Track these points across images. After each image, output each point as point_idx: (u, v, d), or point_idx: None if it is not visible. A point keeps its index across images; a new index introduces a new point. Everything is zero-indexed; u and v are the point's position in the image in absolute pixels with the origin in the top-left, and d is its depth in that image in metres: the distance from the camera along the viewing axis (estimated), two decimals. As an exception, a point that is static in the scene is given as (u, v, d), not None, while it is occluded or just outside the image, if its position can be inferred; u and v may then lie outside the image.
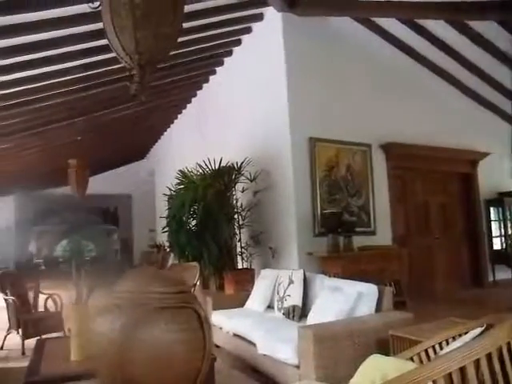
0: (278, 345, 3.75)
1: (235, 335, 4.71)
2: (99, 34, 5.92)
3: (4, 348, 5.77)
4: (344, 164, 7.23)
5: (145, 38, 3.17)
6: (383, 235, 7.55)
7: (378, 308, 3.83)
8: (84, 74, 7.38)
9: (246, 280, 7.49)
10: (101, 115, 10.29)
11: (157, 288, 2.13)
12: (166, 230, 8.21)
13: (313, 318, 3.99)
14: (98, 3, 3.30)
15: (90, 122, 10.35)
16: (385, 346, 3.37)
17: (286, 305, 4.57)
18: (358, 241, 6.84)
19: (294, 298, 4.49)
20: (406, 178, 8.30)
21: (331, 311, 3.79)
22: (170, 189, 8.74)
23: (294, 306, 4.44)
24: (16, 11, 5.03)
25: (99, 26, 5.78)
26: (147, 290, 2.13)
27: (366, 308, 3.75)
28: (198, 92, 11.38)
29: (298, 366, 3.48)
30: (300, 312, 4.39)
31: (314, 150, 7.02)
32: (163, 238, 12.53)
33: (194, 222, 7.59)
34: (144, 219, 18.15)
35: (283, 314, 4.58)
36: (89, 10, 4.68)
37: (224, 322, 4.98)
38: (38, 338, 5.71)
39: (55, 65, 6.69)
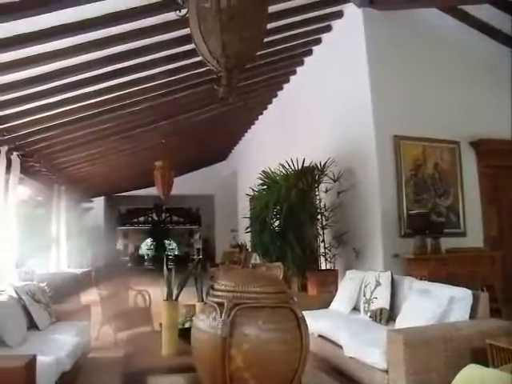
0: (366, 348, 3.68)
1: (320, 336, 4.68)
2: (182, 40, 6.21)
3: (99, 339, 6.09)
4: (431, 162, 6.95)
5: (231, 41, 3.23)
6: (474, 237, 7.16)
7: (472, 315, 3.64)
8: (168, 79, 7.68)
9: (329, 281, 7.42)
10: (184, 118, 10.64)
11: (255, 288, 2.16)
12: (248, 230, 8.30)
13: (402, 322, 3.88)
14: (185, 11, 3.40)
15: (174, 124, 10.73)
16: (481, 356, 3.19)
17: (372, 307, 4.47)
18: (447, 243, 6.53)
19: (382, 301, 4.37)
20: (499, 176, 7.80)
21: (421, 315, 3.65)
22: (252, 189, 8.83)
23: (381, 309, 4.33)
24: (108, 25, 5.30)
25: (183, 32, 6.08)
26: (246, 290, 2.17)
27: (459, 314, 3.58)
28: (279, 92, 11.43)
29: (386, 371, 3.39)
30: (388, 315, 4.28)
31: (399, 148, 6.81)
32: (245, 239, 12.74)
33: (277, 223, 7.62)
34: (226, 219, 18.46)
35: (370, 316, 4.48)
36: (173, 18, 4.94)
37: (310, 323, 4.94)
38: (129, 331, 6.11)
39: (142, 72, 7.03)
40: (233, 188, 17.48)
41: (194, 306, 3.76)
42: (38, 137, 8.14)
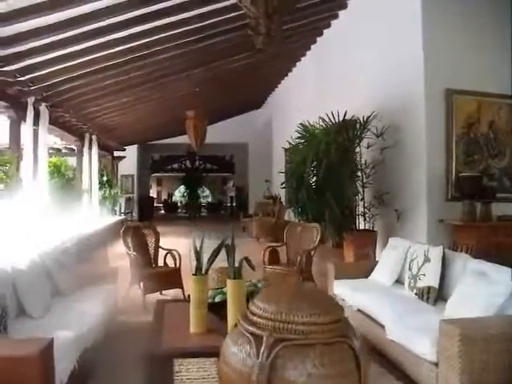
0: (413, 334, 3.32)
1: (359, 311, 4.35)
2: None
3: (128, 299, 5.93)
4: (486, 120, 6.30)
5: (271, -17, 2.73)
6: (529, 204, 6.59)
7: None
8: (200, 24, 7.15)
9: (367, 243, 7.05)
10: (218, 65, 10.13)
11: (304, 318, 1.73)
12: (284, 186, 7.93)
13: (454, 308, 3.47)
14: None
15: (208, 72, 10.25)
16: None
17: (419, 284, 4.07)
18: (498, 208, 5.99)
19: (430, 279, 3.97)
20: None
21: (478, 303, 3.24)
22: (289, 142, 8.36)
23: (429, 287, 3.93)
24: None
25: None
26: (292, 320, 1.75)
27: (524, 305, 3.14)
28: (318, 39, 10.71)
29: (435, 364, 3.04)
30: (436, 294, 3.88)
31: (451, 103, 6.18)
32: (279, 190, 12.39)
33: (314, 179, 7.21)
34: (260, 168, 18.11)
35: (415, 293, 4.10)
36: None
37: (348, 295, 4.63)
38: (159, 293, 5.93)
39: (171, 16, 6.52)
40: (267, 137, 17.01)
41: (226, 269, 3.43)
42: (66, 87, 7.83)
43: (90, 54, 6.78)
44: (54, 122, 8.60)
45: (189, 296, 3.58)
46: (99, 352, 3.95)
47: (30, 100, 7.36)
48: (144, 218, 18.77)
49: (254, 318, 1.90)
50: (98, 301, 4.35)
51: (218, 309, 3.55)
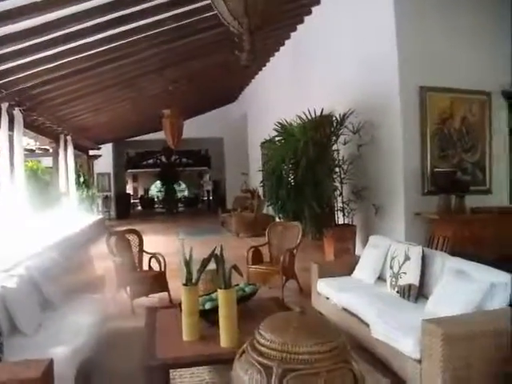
0: (397, 333, 3.46)
1: (344, 309, 4.48)
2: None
3: (115, 304, 5.93)
4: (459, 115, 6.49)
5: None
6: (500, 195, 6.82)
7: (512, 302, 3.36)
8: (174, 25, 7.17)
9: (347, 237, 7.22)
10: (192, 63, 10.12)
11: (309, 347, 1.82)
12: (263, 184, 8.02)
13: (434, 306, 3.64)
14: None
15: (181, 70, 10.25)
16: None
17: (401, 282, 4.23)
18: (471, 201, 6.20)
19: (411, 277, 4.12)
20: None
21: (458, 301, 3.40)
22: (265, 139, 8.44)
23: (410, 285, 4.09)
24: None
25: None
26: (298, 351, 1.84)
27: (497, 301, 3.30)
28: (292, 34, 10.77)
29: (419, 361, 3.18)
30: (417, 292, 4.04)
31: (425, 100, 6.35)
32: (256, 183, 12.47)
33: (293, 177, 7.32)
34: (236, 162, 18.16)
35: (397, 291, 4.26)
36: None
37: (332, 294, 4.77)
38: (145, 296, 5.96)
39: (147, 18, 6.57)
40: (243, 130, 17.07)
41: (214, 271, 3.50)
42: (39, 90, 7.77)
43: (61, 58, 6.75)
44: (28, 125, 8.49)
45: (180, 304, 3.64)
46: (95, 364, 3.99)
47: (4, 106, 7.26)
48: (122, 216, 18.69)
49: (262, 349, 2.00)
50: (88, 311, 4.37)
51: (208, 315, 3.64)
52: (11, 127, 7.60)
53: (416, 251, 4.22)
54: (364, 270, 4.99)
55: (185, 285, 3.52)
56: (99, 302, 4.80)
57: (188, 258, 3.61)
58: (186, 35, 7.97)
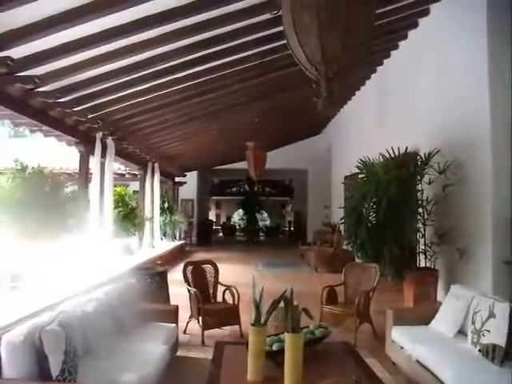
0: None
1: (418, 362, 4.21)
2: (274, 22, 5.80)
3: (186, 332, 6.04)
4: None
5: (332, 44, 2.77)
6: None
7: None
8: (258, 61, 7.37)
9: (428, 281, 6.86)
10: (276, 97, 10.28)
11: None
12: (343, 221, 7.87)
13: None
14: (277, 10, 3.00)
15: (267, 103, 10.43)
16: None
17: (483, 341, 3.90)
18: None
19: (495, 336, 3.79)
20: None
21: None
22: (348, 175, 8.31)
23: (494, 346, 3.75)
24: (201, 10, 5.03)
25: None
26: None
27: None
28: (378, 68, 10.65)
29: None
30: (502, 354, 3.69)
31: (520, 137, 5.95)
32: (338, 217, 12.26)
33: (374, 216, 7.10)
34: (319, 194, 18.06)
35: (479, 350, 3.92)
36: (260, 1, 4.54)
37: (407, 344, 4.51)
38: (217, 328, 5.98)
39: (233, 56, 6.84)
40: (327, 163, 16.97)
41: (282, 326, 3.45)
42: (131, 121, 8.23)
43: (152, 92, 7.16)
44: (119, 153, 8.99)
45: (247, 343, 3.59)
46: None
47: (99, 135, 7.76)
48: (203, 242, 19.08)
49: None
50: (159, 340, 4.46)
51: (275, 356, 3.57)
52: (103, 154, 8.09)
53: (503, 308, 3.87)
54: (443, 322, 4.66)
55: (253, 325, 3.47)
56: (171, 331, 4.88)
57: (258, 298, 3.57)
58: (270, 70, 8.15)
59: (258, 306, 3.51)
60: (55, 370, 3.16)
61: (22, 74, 5.03)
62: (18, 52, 4.60)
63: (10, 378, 3.10)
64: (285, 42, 6.53)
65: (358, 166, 7.70)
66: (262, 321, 3.50)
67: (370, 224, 7.05)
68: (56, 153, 11.33)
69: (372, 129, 11.05)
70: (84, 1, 4.22)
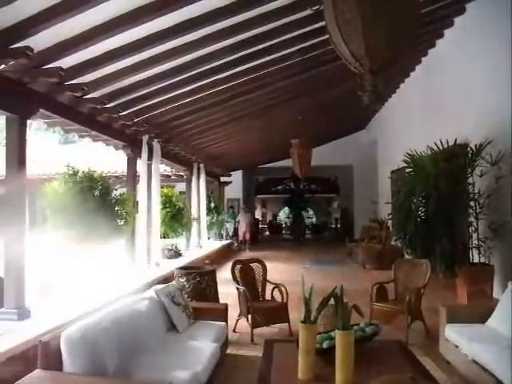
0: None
1: (475, 362, 4.07)
2: (314, 17, 5.76)
3: (236, 330, 6.08)
4: None
5: (376, 39, 2.71)
6: None
7: None
8: (301, 57, 7.34)
9: (482, 278, 6.64)
10: (320, 93, 10.20)
11: None
12: (391, 217, 7.71)
13: None
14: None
15: (310, 99, 10.36)
16: None
17: (544, 339, 3.74)
18: None
19: (558, 334, 3.63)
20: None
21: None
22: (392, 171, 8.14)
23: (556, 343, 3.60)
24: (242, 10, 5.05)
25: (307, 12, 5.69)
26: None
27: None
28: (424, 59, 10.37)
29: None
30: None
31: None
32: (385, 213, 12.07)
33: (423, 210, 6.93)
34: (365, 190, 17.76)
35: (541, 348, 3.76)
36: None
37: (462, 343, 4.36)
38: (266, 326, 5.99)
39: (275, 54, 6.83)
40: (373, 158, 16.68)
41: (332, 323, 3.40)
42: (176, 123, 8.37)
43: (196, 93, 7.23)
44: (165, 154, 9.16)
45: (297, 340, 3.57)
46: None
47: (145, 138, 7.93)
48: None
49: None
50: (210, 338, 4.51)
51: (325, 354, 3.54)
52: (150, 157, 8.26)
53: None
54: (501, 320, 4.48)
55: (303, 322, 3.46)
56: (221, 329, 4.92)
57: (308, 295, 3.55)
58: (313, 66, 8.08)
59: (307, 304, 3.49)
60: (111, 366, 3.31)
61: (71, 82, 5.22)
62: (67, 62, 4.79)
63: (70, 372, 3.27)
64: (326, 37, 6.55)
65: (404, 160, 7.53)
66: (312, 318, 3.48)
67: (419, 219, 6.89)
68: (104, 157, 11.68)
69: (418, 121, 10.78)
70: (127, 9, 4.32)
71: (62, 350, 3.29)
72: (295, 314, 5.67)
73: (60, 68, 4.71)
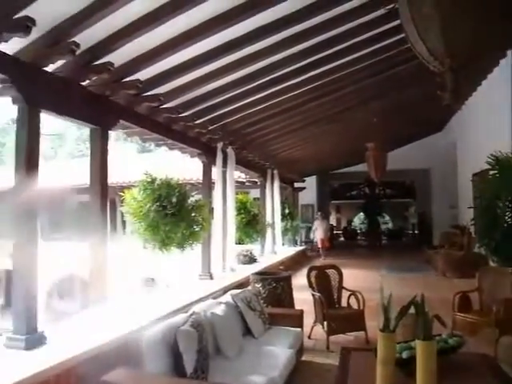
0: None
1: None
2: (388, 17, 5.61)
3: (311, 337, 6.02)
4: None
5: (456, 35, 2.58)
6: None
7: None
8: (373, 60, 7.21)
9: None
10: (395, 94, 9.94)
11: None
12: (473, 223, 7.32)
13: None
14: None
15: (384, 102, 10.11)
16: None
17: None
18: None
19: None
20: None
21: None
22: (473, 174, 7.73)
23: None
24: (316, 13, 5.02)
25: (382, 12, 5.54)
26: None
27: None
28: (510, 52, 9.79)
29: None
30: None
31: None
32: (467, 219, 11.52)
33: (510, 215, 6.52)
34: (444, 194, 17.11)
35: None
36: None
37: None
38: (342, 334, 5.87)
39: (347, 56, 6.76)
40: (452, 161, 15.95)
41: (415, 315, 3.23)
42: (249, 130, 8.47)
43: (268, 100, 7.30)
44: (239, 161, 9.26)
45: (375, 349, 3.46)
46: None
47: (219, 145, 8.07)
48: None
49: None
50: (286, 344, 4.51)
51: (405, 365, 3.41)
52: (224, 164, 8.39)
53: None
54: None
55: (382, 331, 3.34)
56: (296, 335, 4.89)
57: (386, 303, 3.43)
58: (386, 68, 7.89)
59: (386, 312, 3.37)
60: (189, 368, 3.38)
61: (148, 93, 5.42)
62: (144, 74, 4.99)
63: (151, 373, 3.39)
64: (400, 36, 6.37)
65: (488, 162, 7.12)
66: (391, 327, 3.36)
67: (506, 224, 6.49)
68: (179, 164, 12.01)
69: (504, 119, 10.19)
70: (202, 19, 4.41)
71: (142, 350, 3.42)
72: (372, 322, 5.54)
73: (138, 80, 4.91)
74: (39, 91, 4.15)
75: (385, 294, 3.43)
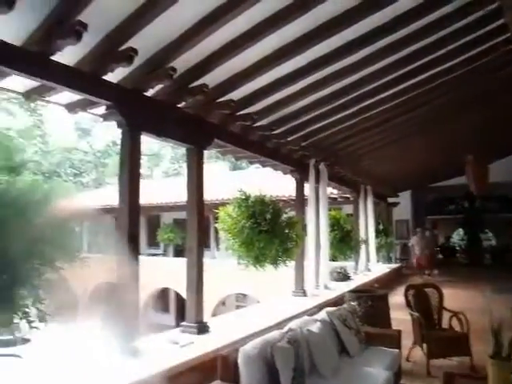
0: None
1: None
2: (485, 20, 5.29)
3: (409, 360, 5.75)
4: None
5: None
6: None
7: None
8: (468, 68, 6.79)
9: None
10: (494, 102, 9.34)
11: None
12: None
13: None
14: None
15: (482, 110, 9.56)
16: None
17: None
18: None
19: None
20: None
21: None
22: None
23: None
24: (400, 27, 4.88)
25: (475, 16, 5.21)
26: None
27: None
28: None
29: None
30: None
31: None
32: None
33: None
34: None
35: None
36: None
37: None
38: (443, 358, 5.55)
39: (440, 66, 6.43)
40: None
41: None
42: (340, 145, 8.40)
43: (359, 115, 7.16)
44: (331, 177, 9.20)
45: (485, 377, 3.23)
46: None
47: (311, 162, 8.08)
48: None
49: None
50: (383, 366, 4.35)
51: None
52: (317, 180, 8.37)
53: None
54: None
55: (492, 357, 3.11)
56: (394, 356, 4.71)
57: (496, 326, 3.19)
58: (483, 74, 7.41)
59: (497, 336, 3.13)
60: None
61: (241, 112, 5.56)
62: (237, 94, 5.14)
63: None
64: (505, 36, 5.96)
65: None
66: (504, 354, 3.10)
67: None
68: (271, 181, 12.15)
69: None
70: (293, 36, 4.45)
71: (239, 364, 3.46)
72: (478, 346, 5.17)
73: (231, 100, 5.06)
74: (140, 115, 4.43)
75: (492, 316, 3.21)
